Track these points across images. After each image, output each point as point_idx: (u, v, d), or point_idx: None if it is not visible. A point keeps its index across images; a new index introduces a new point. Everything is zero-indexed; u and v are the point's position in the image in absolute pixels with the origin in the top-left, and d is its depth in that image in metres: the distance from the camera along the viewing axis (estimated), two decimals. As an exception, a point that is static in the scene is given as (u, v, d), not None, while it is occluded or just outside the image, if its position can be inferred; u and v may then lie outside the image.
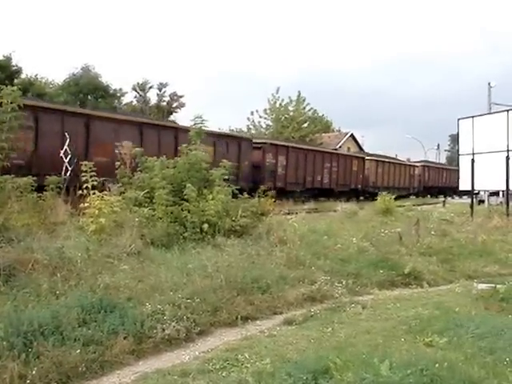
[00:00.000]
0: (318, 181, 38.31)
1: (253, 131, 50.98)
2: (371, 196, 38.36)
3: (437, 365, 5.02)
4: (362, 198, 41.53)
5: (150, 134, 23.72)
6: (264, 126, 52.42)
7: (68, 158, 18.51)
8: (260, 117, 52.53)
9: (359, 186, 43.99)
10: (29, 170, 15.71)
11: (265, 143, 33.23)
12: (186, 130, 20.24)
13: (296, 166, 35.25)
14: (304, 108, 52.75)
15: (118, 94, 49.13)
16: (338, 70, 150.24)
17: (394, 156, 62.33)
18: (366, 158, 46.22)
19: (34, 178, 11.99)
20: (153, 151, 16.90)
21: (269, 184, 25.73)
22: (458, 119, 27.16)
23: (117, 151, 16.50)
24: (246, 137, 32.72)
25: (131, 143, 17.05)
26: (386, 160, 50.23)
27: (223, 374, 5.39)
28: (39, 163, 18.17)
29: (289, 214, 19.07)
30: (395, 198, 24.82)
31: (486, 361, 5.54)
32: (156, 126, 25.26)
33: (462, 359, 5.53)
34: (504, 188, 24.72)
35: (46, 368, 5.15)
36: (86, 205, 10.73)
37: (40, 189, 12.21)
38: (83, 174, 11.28)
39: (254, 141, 32.82)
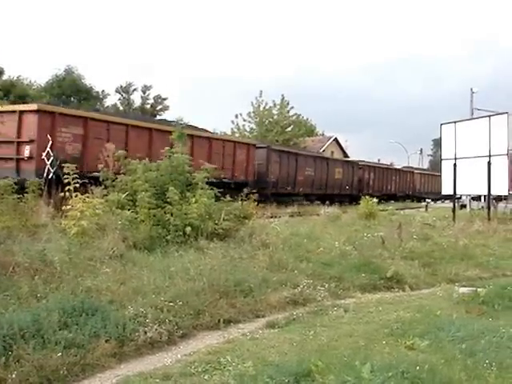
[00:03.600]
0: (388, 188, 52.87)
1: (237, 134, 50.95)
2: (418, 199, 54.03)
3: (418, 367, 5.06)
4: (409, 200, 53.45)
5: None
6: (248, 129, 52.43)
7: (50, 161, 18.44)
8: (244, 120, 52.55)
9: (410, 192, 57.74)
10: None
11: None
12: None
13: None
14: (288, 112, 52.82)
15: (101, 96, 48.94)
16: (322, 72, 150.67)
17: (377, 161, 63.06)
18: (415, 171, 62.76)
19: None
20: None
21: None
22: (441, 124, 27.38)
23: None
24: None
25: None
26: (426, 172, 67.62)
27: (205, 377, 5.38)
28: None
29: (272, 217, 19.09)
30: (378, 202, 24.91)
31: (467, 363, 5.58)
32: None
33: (442, 362, 5.56)
34: (485, 193, 24.99)
35: (26, 372, 5.10)
36: (68, 207, 10.67)
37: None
38: (65, 176, 11.20)
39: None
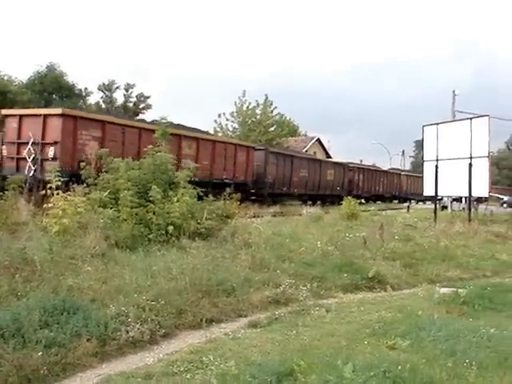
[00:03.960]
0: (377, 189, 54.77)
1: (220, 134, 50.86)
2: (404, 200, 54.90)
3: (399, 367, 5.09)
4: (396, 201, 56.45)
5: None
6: (231, 128, 52.36)
7: (31, 158, 18.32)
8: (227, 120, 52.43)
9: (397, 193, 59.49)
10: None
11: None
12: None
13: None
14: (271, 112, 52.82)
15: (84, 94, 48.60)
16: (305, 73, 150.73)
17: (360, 161, 63.36)
18: (402, 173, 64.48)
19: None
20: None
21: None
22: (423, 126, 27.55)
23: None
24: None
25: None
26: (412, 174, 68.00)
27: (187, 377, 5.37)
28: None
29: (254, 217, 19.10)
30: (366, 202, 25.03)
31: (447, 363, 5.62)
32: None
33: (423, 361, 5.60)
34: (466, 194, 25.18)
35: (5, 371, 5.06)
36: (49, 205, 10.59)
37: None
38: (47, 174, 11.12)
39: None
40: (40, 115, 20.09)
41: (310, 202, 37.57)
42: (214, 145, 29.10)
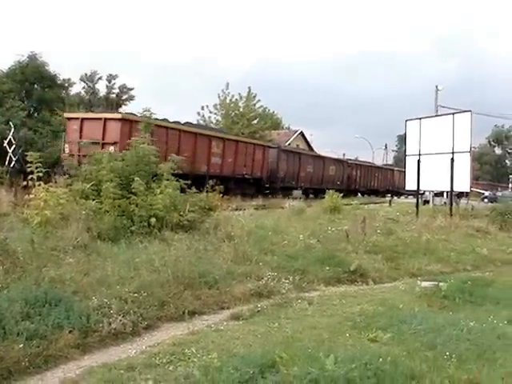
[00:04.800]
0: (372, 184, 57.54)
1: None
2: (396, 194, 54.82)
3: (380, 359, 5.14)
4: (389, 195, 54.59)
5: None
6: (214, 121, 52.18)
7: (12, 148, 18.18)
8: (210, 112, 52.25)
9: (390, 188, 60.04)
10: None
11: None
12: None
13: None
14: (254, 105, 52.72)
15: (66, 85, 48.06)
16: (290, 66, 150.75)
17: (342, 155, 63.64)
18: (395, 169, 65.17)
19: None
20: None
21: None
22: (406, 120, 27.63)
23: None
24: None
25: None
26: (404, 170, 65.57)
27: (170, 368, 5.37)
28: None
29: (236, 209, 19.11)
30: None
31: (428, 355, 5.70)
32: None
33: (404, 354, 5.67)
34: (448, 189, 25.34)
35: (-14, 363, 5.04)
36: (31, 196, 10.51)
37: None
38: (28, 164, 11.03)
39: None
40: (101, 119, 23.69)
41: (312, 196, 41.48)
42: (237, 144, 33.16)
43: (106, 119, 23.68)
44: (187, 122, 32.04)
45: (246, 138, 39.58)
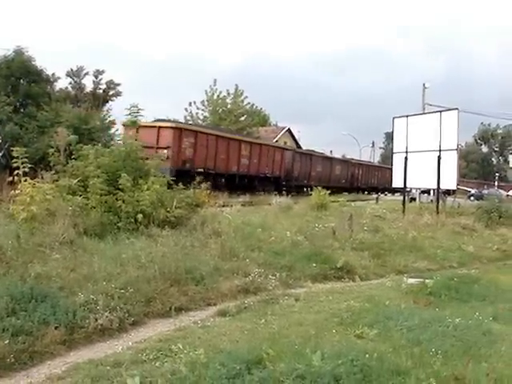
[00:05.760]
0: (372, 182, 61.18)
1: (190, 122, 50.62)
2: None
3: (367, 355, 5.17)
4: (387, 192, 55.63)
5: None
6: (201, 117, 52.08)
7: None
8: (198, 108, 52.14)
9: (388, 185, 60.04)
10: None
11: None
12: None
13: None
14: (242, 101, 52.70)
15: (52, 80, 47.72)
16: (276, 61, 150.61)
17: (330, 152, 63.83)
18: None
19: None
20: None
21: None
22: (394, 118, 27.69)
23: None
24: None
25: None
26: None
27: (156, 365, 5.36)
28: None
29: (224, 206, 19.11)
30: (330, 194, 25.12)
31: (414, 351, 5.73)
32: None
33: (390, 350, 5.70)
34: (435, 187, 25.45)
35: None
36: (17, 192, 10.43)
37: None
38: (14, 160, 10.95)
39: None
40: (155, 127, 27.75)
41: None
42: (261, 147, 38.13)
43: (159, 127, 27.96)
44: (227, 128, 41.37)
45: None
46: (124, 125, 26.78)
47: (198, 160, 29.74)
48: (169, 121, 32.33)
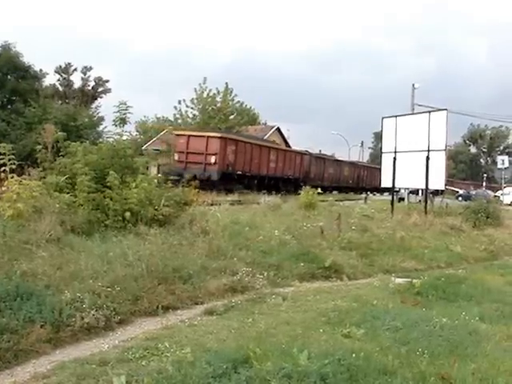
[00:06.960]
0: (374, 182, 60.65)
1: (179, 121, 50.53)
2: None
3: (354, 355, 5.18)
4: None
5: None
6: (191, 115, 52.00)
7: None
8: (187, 106, 52.06)
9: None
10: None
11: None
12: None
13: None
14: (232, 100, 52.67)
15: (40, 76, 47.47)
16: (268, 62, 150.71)
17: (319, 152, 63.91)
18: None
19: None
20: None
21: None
22: (383, 118, 27.68)
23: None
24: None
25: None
26: None
27: (143, 363, 5.34)
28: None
29: (212, 204, 19.07)
30: (318, 193, 25.11)
31: (401, 351, 5.75)
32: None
33: (377, 350, 5.71)
34: (423, 187, 25.50)
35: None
36: (3, 189, 10.36)
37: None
38: (1, 157, 10.87)
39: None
40: (204, 136, 33.56)
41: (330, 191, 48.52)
42: (285, 153, 44.97)
43: (208, 137, 33.49)
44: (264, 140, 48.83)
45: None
46: (176, 134, 34.03)
47: (237, 164, 35.25)
48: (216, 131, 37.88)
